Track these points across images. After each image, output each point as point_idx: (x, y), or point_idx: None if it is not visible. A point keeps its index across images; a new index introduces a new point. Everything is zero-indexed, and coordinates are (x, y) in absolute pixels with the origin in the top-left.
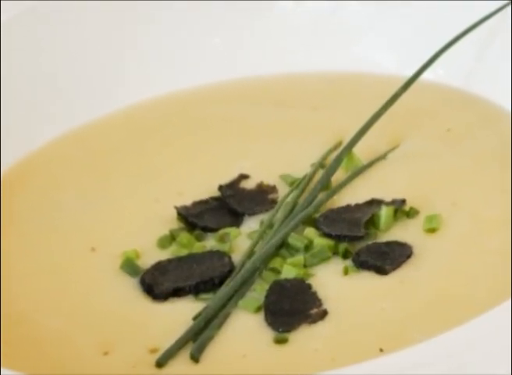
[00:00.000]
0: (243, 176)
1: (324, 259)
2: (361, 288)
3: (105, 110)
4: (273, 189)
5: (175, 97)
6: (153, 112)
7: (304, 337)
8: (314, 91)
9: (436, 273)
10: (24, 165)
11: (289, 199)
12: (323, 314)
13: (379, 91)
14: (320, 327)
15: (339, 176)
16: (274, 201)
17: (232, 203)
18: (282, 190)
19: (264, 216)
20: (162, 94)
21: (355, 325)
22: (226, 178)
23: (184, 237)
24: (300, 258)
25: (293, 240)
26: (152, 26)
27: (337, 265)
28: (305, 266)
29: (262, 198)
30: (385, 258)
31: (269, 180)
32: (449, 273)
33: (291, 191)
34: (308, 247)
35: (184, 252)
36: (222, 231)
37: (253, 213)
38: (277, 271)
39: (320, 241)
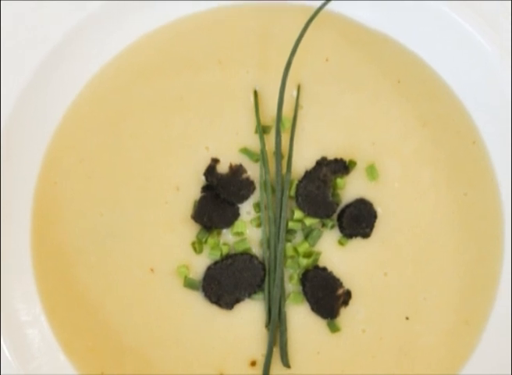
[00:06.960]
0: (216, 161)
1: (319, 236)
2: (360, 256)
3: None
4: (242, 168)
5: None
6: None
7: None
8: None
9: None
10: None
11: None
12: (349, 293)
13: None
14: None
15: None
16: (249, 181)
17: (226, 195)
18: (248, 165)
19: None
20: None
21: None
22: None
23: (211, 240)
24: (305, 244)
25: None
26: None
27: (332, 238)
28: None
29: (239, 180)
30: (361, 222)
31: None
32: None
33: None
34: (304, 229)
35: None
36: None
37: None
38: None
39: (310, 222)
